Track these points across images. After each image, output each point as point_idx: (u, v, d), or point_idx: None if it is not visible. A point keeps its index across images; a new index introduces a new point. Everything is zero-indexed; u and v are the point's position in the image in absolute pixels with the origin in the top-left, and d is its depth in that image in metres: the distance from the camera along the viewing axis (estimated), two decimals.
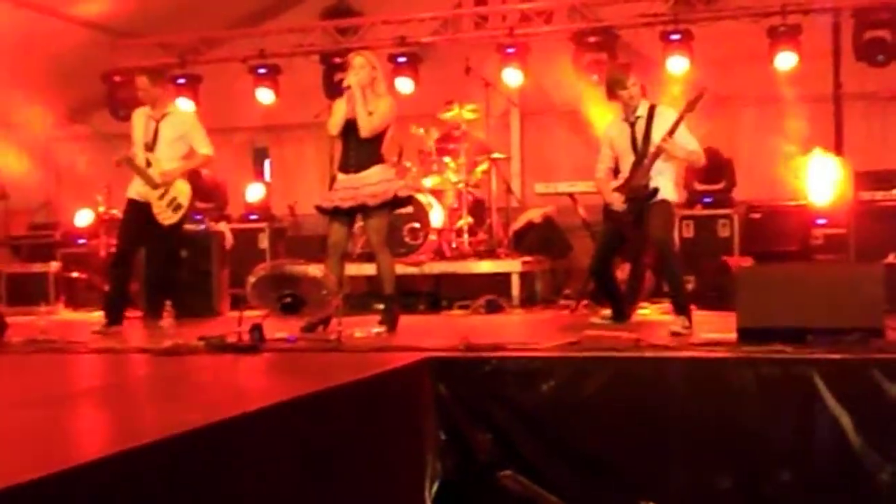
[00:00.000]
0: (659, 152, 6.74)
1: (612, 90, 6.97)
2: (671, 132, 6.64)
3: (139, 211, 7.92)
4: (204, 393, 4.64)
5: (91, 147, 11.96)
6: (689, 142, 6.86)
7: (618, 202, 6.90)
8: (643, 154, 6.83)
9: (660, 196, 6.80)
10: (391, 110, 6.90)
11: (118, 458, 2.86)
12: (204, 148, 8.08)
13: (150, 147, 7.92)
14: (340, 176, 6.93)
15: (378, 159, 6.91)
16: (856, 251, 8.13)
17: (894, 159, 8.91)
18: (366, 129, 6.74)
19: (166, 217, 7.88)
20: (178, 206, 7.91)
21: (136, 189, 7.96)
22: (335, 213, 6.89)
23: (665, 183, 6.84)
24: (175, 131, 7.99)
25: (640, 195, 6.80)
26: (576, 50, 10.48)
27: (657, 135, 6.75)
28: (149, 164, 7.89)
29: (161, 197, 7.86)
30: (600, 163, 7.20)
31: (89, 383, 5.34)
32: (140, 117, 8.08)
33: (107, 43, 11.18)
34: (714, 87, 10.35)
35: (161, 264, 8.00)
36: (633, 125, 6.90)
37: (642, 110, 6.91)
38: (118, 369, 5.69)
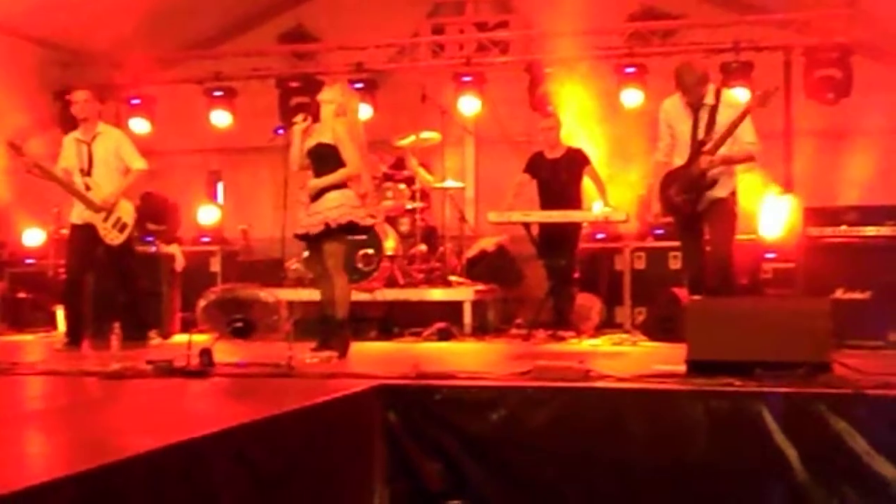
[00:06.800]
0: (721, 143, 6.57)
1: (682, 84, 6.80)
2: (726, 135, 6.56)
3: (85, 235, 7.90)
4: (151, 417, 4.57)
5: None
6: (748, 135, 6.67)
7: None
8: (704, 142, 6.67)
9: (720, 191, 6.71)
10: (345, 127, 6.95)
11: (60, 484, 2.80)
12: (137, 162, 8.06)
13: (87, 171, 7.91)
14: (312, 203, 6.98)
15: (340, 184, 6.91)
16: (804, 286, 8.20)
17: (843, 196, 9.03)
18: (350, 161, 6.84)
19: (113, 237, 7.89)
20: (124, 226, 7.94)
21: (80, 213, 7.94)
22: (306, 240, 6.98)
23: (724, 176, 6.74)
24: (107, 150, 7.97)
25: (699, 185, 6.69)
26: (531, 80, 10.56)
27: (722, 121, 6.61)
28: (88, 188, 7.88)
29: (105, 219, 7.86)
30: (661, 142, 7.02)
31: (33, 406, 5.24)
32: (70, 143, 8.05)
33: (60, 61, 11.08)
34: None
35: (111, 286, 7.94)
36: (696, 111, 6.77)
37: (710, 98, 6.75)
38: (63, 392, 5.59)
